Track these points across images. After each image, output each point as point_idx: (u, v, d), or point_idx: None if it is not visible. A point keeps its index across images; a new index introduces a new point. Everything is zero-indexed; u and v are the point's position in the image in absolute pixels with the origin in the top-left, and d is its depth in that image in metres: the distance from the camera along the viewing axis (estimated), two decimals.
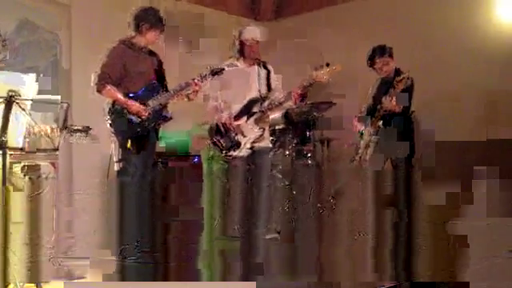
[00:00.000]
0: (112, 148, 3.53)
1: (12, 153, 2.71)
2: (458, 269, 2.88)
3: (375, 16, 5.58)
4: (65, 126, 3.04)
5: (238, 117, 3.84)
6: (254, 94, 3.85)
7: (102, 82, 3.44)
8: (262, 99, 3.88)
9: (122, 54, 3.50)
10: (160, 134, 3.70)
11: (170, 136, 4.65)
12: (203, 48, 5.64)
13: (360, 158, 3.95)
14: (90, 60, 3.85)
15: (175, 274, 3.16)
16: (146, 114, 3.47)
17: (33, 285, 2.84)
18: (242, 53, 3.86)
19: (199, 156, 5.14)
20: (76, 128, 3.30)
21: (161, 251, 3.35)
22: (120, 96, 3.44)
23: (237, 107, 3.86)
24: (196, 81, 3.54)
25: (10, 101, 2.53)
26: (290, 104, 3.85)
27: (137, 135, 3.47)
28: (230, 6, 6.15)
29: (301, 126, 4.96)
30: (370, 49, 3.97)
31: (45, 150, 2.98)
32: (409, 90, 3.61)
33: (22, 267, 2.73)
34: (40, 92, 2.94)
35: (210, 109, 3.89)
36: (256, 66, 3.91)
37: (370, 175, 3.85)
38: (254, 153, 3.73)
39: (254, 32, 3.84)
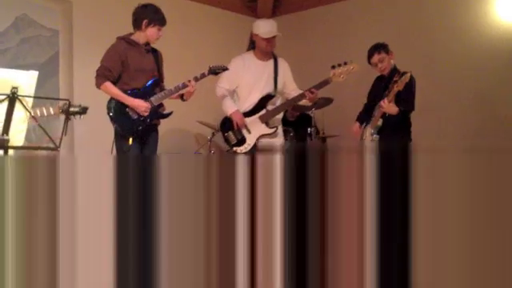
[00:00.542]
0: (113, 145, 3.54)
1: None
2: None
3: (374, 14, 5.60)
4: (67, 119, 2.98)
5: (251, 113, 3.85)
6: (268, 90, 3.86)
7: (102, 77, 3.45)
8: (274, 96, 3.89)
9: (122, 50, 3.50)
10: None
11: None
12: (201, 45, 5.67)
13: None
14: (91, 56, 3.86)
15: None
16: (148, 111, 3.47)
17: None
18: (257, 47, 3.86)
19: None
20: (74, 110, 3.24)
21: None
22: (119, 92, 3.44)
23: (250, 102, 3.87)
24: (192, 82, 3.53)
25: (12, 98, 2.51)
26: (305, 101, 3.86)
27: (137, 132, 3.48)
28: (228, 3, 6.15)
29: (301, 122, 4.98)
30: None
31: (46, 148, 2.97)
32: (409, 89, 3.60)
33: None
34: (41, 89, 2.94)
35: (224, 103, 3.90)
36: (271, 61, 3.91)
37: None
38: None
39: (270, 26, 3.82)
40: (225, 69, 3.69)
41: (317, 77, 3.80)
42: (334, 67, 3.69)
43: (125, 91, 3.47)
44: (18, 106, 2.58)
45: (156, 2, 3.63)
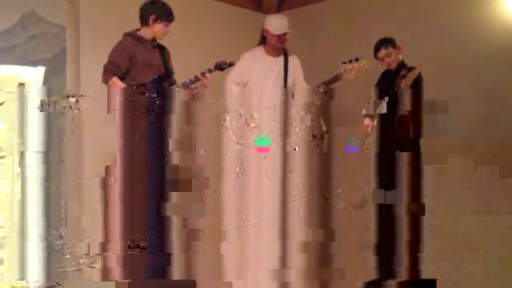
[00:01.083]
0: (119, 141, 3.54)
1: None
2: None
3: (381, 8, 5.57)
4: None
5: (259, 108, 3.85)
6: (277, 87, 3.85)
7: (110, 73, 3.45)
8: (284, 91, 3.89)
9: (129, 46, 3.50)
10: None
11: None
12: (206, 40, 5.66)
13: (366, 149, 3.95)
14: (97, 52, 3.87)
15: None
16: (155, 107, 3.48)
17: None
18: (268, 43, 3.84)
19: None
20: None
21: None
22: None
23: (260, 98, 3.86)
24: (207, 74, 3.51)
25: (21, 95, 2.52)
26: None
27: (145, 127, 3.48)
28: None
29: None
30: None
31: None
32: (417, 84, 3.59)
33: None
34: (48, 85, 2.95)
35: (235, 98, 3.90)
36: (282, 58, 3.89)
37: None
38: None
39: (282, 23, 3.80)
40: (231, 64, 3.68)
41: (323, 72, 3.78)
42: (344, 63, 3.67)
43: (132, 87, 3.47)
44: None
45: None
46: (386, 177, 3.72)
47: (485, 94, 4.86)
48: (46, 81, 2.93)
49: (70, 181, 3.24)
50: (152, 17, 3.52)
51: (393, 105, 3.65)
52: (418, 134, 3.70)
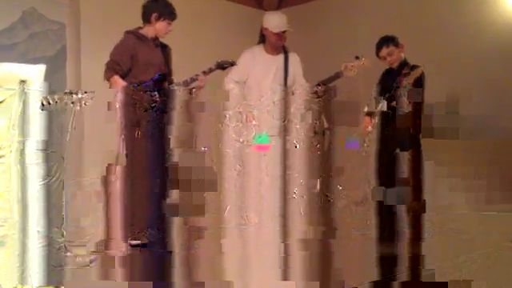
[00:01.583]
0: (120, 139, 3.54)
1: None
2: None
3: (383, 5, 5.55)
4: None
5: (258, 106, 3.84)
6: (277, 84, 3.83)
7: (111, 71, 3.44)
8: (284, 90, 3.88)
9: (131, 44, 3.48)
10: None
11: None
12: (206, 37, 5.65)
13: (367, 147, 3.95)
14: (98, 49, 3.86)
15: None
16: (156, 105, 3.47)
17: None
18: (267, 41, 3.82)
19: None
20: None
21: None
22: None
23: (259, 96, 3.85)
24: (201, 77, 3.50)
25: (22, 92, 2.52)
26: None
27: (146, 125, 3.48)
28: None
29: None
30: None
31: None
32: (419, 83, 3.57)
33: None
34: (49, 81, 2.95)
35: (235, 97, 3.90)
36: (281, 56, 3.87)
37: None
38: None
39: (280, 20, 3.79)
40: (233, 63, 3.65)
41: (324, 70, 3.77)
42: (345, 61, 3.66)
43: (133, 85, 3.47)
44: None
45: None
46: (387, 174, 3.74)
47: (485, 93, 4.85)
48: (47, 78, 2.93)
49: (70, 179, 3.25)
50: (154, 15, 3.49)
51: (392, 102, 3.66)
52: (418, 132, 3.70)
